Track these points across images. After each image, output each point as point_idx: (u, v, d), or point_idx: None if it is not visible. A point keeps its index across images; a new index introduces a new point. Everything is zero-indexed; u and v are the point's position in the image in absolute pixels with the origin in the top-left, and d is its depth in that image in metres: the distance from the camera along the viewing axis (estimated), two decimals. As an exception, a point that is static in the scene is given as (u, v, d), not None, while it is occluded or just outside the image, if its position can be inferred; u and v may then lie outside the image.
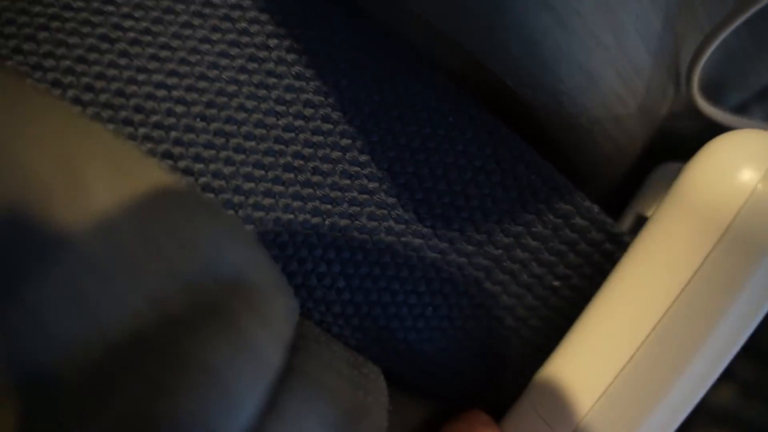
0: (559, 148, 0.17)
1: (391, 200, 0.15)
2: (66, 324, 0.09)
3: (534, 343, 0.17)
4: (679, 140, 0.20)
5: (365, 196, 0.15)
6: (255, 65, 0.16)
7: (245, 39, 0.16)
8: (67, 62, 0.15)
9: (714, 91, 0.17)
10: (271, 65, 0.16)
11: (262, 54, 0.16)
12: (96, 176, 0.10)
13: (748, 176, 0.13)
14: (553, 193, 0.16)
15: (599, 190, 0.19)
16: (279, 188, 0.15)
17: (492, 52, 0.15)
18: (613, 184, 0.20)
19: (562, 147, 0.17)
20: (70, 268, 0.09)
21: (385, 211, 0.15)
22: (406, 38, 0.16)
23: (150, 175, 0.11)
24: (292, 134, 0.15)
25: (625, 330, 0.14)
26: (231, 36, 0.16)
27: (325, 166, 0.15)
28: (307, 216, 0.15)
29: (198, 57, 0.15)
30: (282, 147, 0.15)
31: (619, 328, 0.15)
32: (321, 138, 0.15)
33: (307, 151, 0.15)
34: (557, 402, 0.16)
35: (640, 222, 0.18)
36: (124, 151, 0.11)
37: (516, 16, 0.13)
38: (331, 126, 0.16)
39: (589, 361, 0.15)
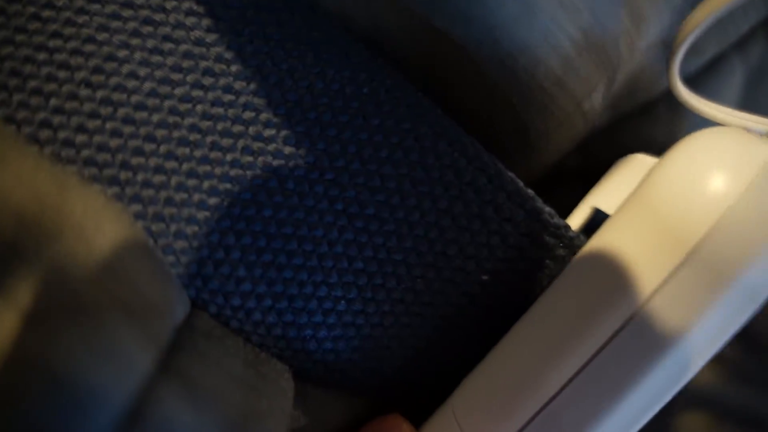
0: (501, 110, 0.15)
1: (299, 180, 0.13)
2: None
3: (460, 344, 0.15)
4: (651, 129, 0.18)
5: (269, 175, 0.13)
6: (150, 29, 0.13)
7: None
8: None
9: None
10: (167, 29, 0.13)
11: (158, 17, 0.13)
12: None
13: (723, 190, 0.11)
14: (480, 174, 0.14)
15: (552, 168, 0.17)
16: (172, 164, 0.13)
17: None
18: (567, 158, 0.18)
19: (505, 107, 0.15)
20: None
21: (292, 193, 0.13)
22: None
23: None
24: (189, 105, 0.13)
25: (560, 352, 0.13)
26: None
27: (225, 141, 0.13)
28: (203, 196, 0.13)
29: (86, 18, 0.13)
30: (177, 119, 0.13)
31: (553, 347, 0.13)
32: (221, 110, 0.13)
33: (204, 124, 0.13)
34: (478, 412, 0.14)
35: (599, 218, 0.16)
36: None
37: None
38: (233, 97, 0.13)
39: (516, 375, 0.13)
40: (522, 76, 0.15)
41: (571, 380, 0.12)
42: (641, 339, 0.12)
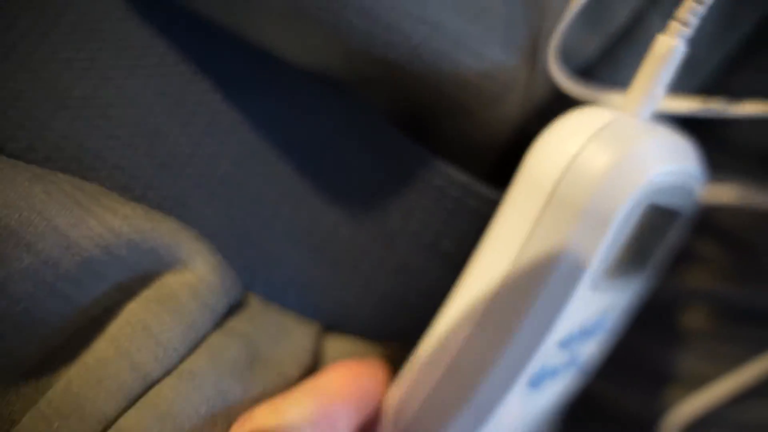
0: (439, 103, 0.18)
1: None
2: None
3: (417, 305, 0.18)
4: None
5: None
6: None
7: None
8: None
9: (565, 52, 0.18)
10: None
11: None
12: None
13: (569, 147, 0.14)
14: (414, 161, 0.17)
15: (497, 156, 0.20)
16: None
17: (342, 29, 0.15)
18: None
19: (442, 100, 0.18)
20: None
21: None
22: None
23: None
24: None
25: (474, 290, 0.15)
26: None
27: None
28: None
29: None
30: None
31: (473, 288, 0.16)
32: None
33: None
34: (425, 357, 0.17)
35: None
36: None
37: None
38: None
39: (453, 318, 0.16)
40: (448, 77, 0.17)
41: (477, 316, 0.15)
42: (527, 273, 0.15)
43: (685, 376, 0.23)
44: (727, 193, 0.21)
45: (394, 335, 0.19)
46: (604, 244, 0.14)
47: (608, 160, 0.14)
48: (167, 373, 0.14)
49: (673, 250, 0.21)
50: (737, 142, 0.21)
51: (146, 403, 0.14)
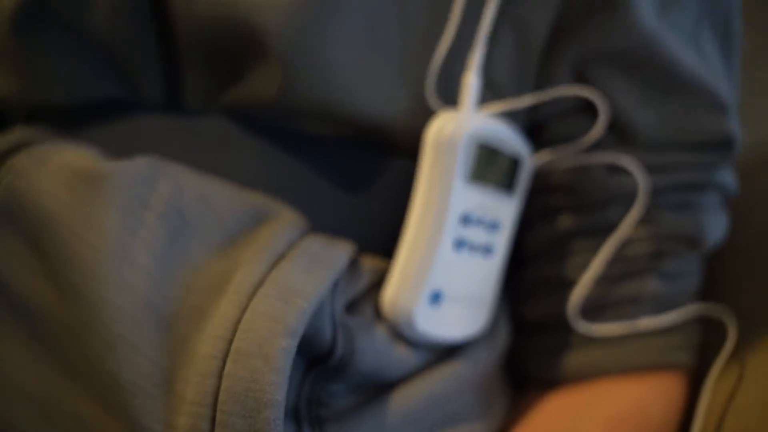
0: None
1: None
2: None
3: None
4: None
5: None
6: None
7: None
8: None
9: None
10: None
11: None
12: None
13: (439, 124, 0.32)
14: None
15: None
16: None
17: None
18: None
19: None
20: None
21: None
22: None
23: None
24: None
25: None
26: None
27: None
28: None
29: None
30: None
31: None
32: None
33: None
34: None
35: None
36: None
37: None
38: None
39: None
40: (360, 117, 0.32)
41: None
42: (434, 177, 0.32)
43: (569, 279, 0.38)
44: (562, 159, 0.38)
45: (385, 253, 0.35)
46: (460, 157, 0.32)
47: (452, 125, 0.32)
48: None
49: (527, 190, 0.37)
50: (547, 125, 0.38)
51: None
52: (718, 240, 0.39)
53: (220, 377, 0.25)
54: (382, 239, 0.34)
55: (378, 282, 0.33)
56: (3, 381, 0.27)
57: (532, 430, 0.36)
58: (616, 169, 0.36)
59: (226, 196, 0.30)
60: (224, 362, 0.25)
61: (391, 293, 0.32)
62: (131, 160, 0.30)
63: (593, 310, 0.38)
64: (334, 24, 0.30)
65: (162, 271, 0.27)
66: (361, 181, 0.34)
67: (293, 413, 0.29)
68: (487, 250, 0.35)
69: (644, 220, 0.37)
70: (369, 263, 0.33)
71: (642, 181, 0.36)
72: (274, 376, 0.25)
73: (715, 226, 0.38)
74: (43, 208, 0.28)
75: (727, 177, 0.39)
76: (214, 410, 0.25)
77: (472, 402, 0.35)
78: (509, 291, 0.41)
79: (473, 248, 0.34)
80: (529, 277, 0.40)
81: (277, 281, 0.27)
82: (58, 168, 0.29)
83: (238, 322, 0.26)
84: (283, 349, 0.25)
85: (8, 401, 0.27)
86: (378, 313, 0.33)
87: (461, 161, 0.32)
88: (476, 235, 0.34)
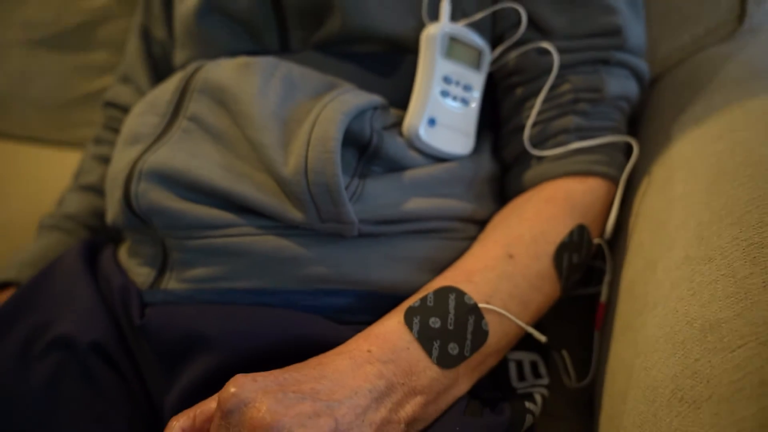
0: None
1: None
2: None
3: None
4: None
5: None
6: None
7: None
8: None
9: None
10: None
11: None
12: None
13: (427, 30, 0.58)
14: None
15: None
16: None
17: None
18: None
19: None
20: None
21: None
22: None
23: None
24: None
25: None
26: None
27: None
28: None
29: None
30: None
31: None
32: None
33: None
34: None
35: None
36: None
37: None
38: None
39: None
40: (386, 34, 0.61)
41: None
42: (423, 54, 0.58)
43: (523, 125, 0.62)
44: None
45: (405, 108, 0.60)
46: (438, 43, 0.57)
47: (433, 28, 0.58)
48: None
49: (489, 70, 0.62)
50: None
51: None
52: (624, 95, 0.61)
53: (308, 144, 0.51)
54: (404, 100, 0.59)
55: (400, 121, 0.59)
56: (205, 156, 0.54)
57: (503, 213, 0.59)
58: (543, 52, 0.60)
59: (314, 75, 0.57)
60: (310, 137, 0.51)
61: (406, 120, 0.58)
62: (264, 57, 0.57)
63: (539, 141, 0.61)
64: None
65: (281, 102, 0.54)
66: (391, 70, 0.60)
67: (353, 174, 0.54)
68: (464, 101, 0.59)
69: (565, 80, 0.60)
70: (395, 111, 0.59)
71: (557, 56, 0.59)
72: (333, 144, 0.50)
73: (616, 84, 0.60)
74: (221, 81, 0.56)
75: (633, 60, 0.61)
76: (307, 158, 0.50)
77: (462, 191, 0.58)
78: (495, 148, 0.65)
79: (455, 97, 0.59)
80: (504, 133, 0.64)
81: (335, 101, 0.53)
82: (224, 65, 0.58)
83: (314, 124, 0.52)
84: (337, 132, 0.50)
85: (210, 166, 0.54)
86: (400, 132, 0.58)
87: (440, 45, 0.57)
88: (455, 90, 0.59)
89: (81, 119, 1.00)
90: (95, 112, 0.88)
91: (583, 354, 0.60)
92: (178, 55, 0.69)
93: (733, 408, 0.35)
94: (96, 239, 0.66)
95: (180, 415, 0.42)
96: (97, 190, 0.78)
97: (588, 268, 0.61)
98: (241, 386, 0.39)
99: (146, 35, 0.80)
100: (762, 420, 0.33)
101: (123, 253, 0.62)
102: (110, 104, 0.82)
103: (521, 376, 0.54)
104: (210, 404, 0.42)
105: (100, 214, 0.76)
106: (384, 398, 0.42)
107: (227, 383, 0.40)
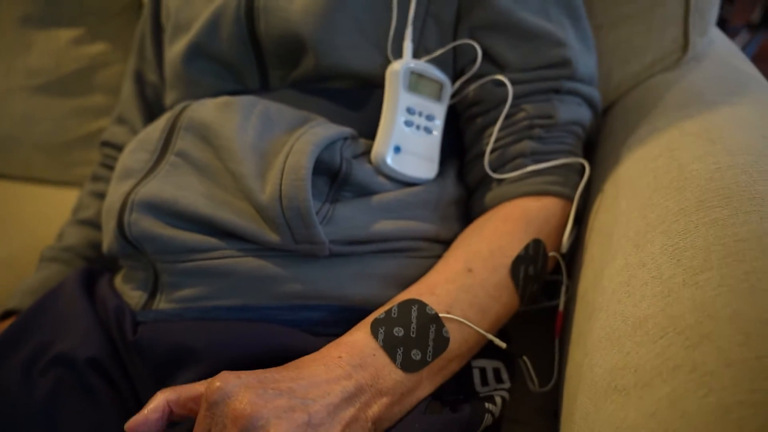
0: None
1: None
2: None
3: None
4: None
5: None
6: None
7: None
8: None
9: None
10: None
11: None
12: None
13: (394, 67, 0.64)
14: None
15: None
16: None
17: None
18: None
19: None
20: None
21: None
22: None
23: None
24: None
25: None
26: None
27: None
28: None
29: None
30: None
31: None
32: None
33: None
34: None
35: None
36: None
37: None
38: None
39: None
40: (355, 72, 0.67)
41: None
42: (388, 88, 0.63)
43: (483, 151, 0.67)
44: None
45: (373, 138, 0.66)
46: (401, 77, 0.63)
47: (397, 64, 0.64)
48: None
49: (450, 102, 0.68)
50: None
51: None
52: (577, 120, 0.66)
53: (282, 173, 0.56)
54: (373, 131, 0.65)
55: (369, 150, 0.64)
56: (190, 188, 0.59)
57: (465, 232, 0.64)
58: (499, 84, 0.66)
59: (290, 110, 0.63)
60: (284, 166, 0.56)
61: (373, 148, 0.63)
62: (244, 96, 0.63)
63: (499, 165, 0.66)
64: (338, 26, 0.63)
65: (259, 136, 0.60)
66: (361, 104, 0.66)
67: (324, 200, 0.59)
68: (427, 129, 0.65)
69: (521, 109, 0.66)
70: (364, 141, 0.64)
71: (510, 87, 0.65)
72: (304, 172, 0.55)
73: (568, 111, 0.66)
74: (205, 119, 0.62)
75: (584, 88, 0.67)
76: (281, 185, 0.56)
77: (427, 214, 0.64)
78: (460, 174, 0.70)
79: (418, 126, 0.64)
80: (467, 160, 0.70)
81: (307, 133, 0.59)
82: (208, 104, 0.63)
83: (288, 155, 0.57)
84: (308, 161, 0.56)
85: (194, 196, 0.59)
86: (368, 160, 0.63)
87: (402, 79, 0.63)
88: (418, 120, 0.64)
89: (80, 159, 1.06)
90: (93, 151, 0.94)
91: (547, 361, 0.65)
92: (168, 96, 0.75)
93: (652, 391, 0.40)
94: (93, 267, 0.71)
95: (168, 389, 0.46)
96: (94, 224, 0.83)
97: (552, 282, 0.66)
98: (225, 381, 0.44)
99: (140, 79, 0.86)
100: (673, 398, 0.38)
101: (118, 279, 0.67)
102: (106, 144, 0.88)
103: (484, 382, 0.59)
104: (197, 387, 0.46)
105: (97, 246, 0.81)
106: (353, 398, 0.47)
107: (213, 378, 0.44)
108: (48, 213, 1.01)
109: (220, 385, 0.43)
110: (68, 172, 1.07)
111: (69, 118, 1.05)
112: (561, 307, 0.62)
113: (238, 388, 0.43)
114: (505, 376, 0.60)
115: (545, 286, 0.68)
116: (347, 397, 0.46)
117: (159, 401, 0.45)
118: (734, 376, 0.37)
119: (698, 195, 0.51)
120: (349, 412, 0.46)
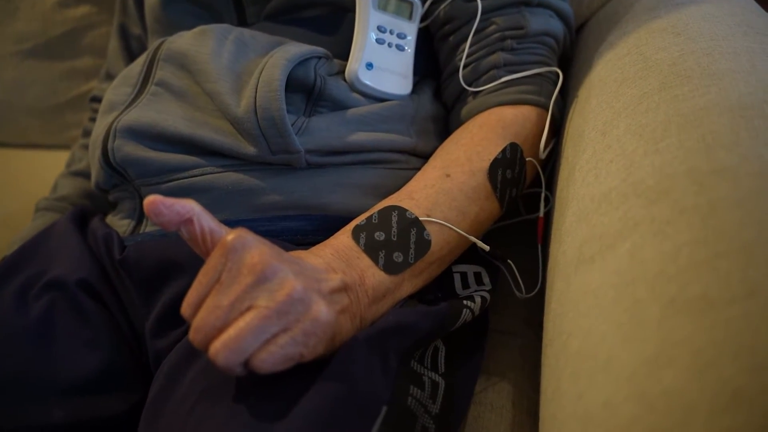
0: None
1: None
2: None
3: None
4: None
5: None
6: None
7: None
8: None
9: None
10: None
11: None
12: None
13: None
14: None
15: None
16: None
17: None
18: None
19: None
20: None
21: None
22: None
23: None
24: None
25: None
26: None
27: None
28: None
29: None
30: None
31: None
32: None
33: None
34: None
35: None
36: None
37: None
38: None
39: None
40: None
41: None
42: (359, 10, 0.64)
43: (458, 66, 0.68)
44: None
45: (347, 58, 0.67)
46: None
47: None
48: None
49: (421, 21, 0.68)
50: None
51: None
52: (548, 31, 0.67)
53: (256, 87, 0.57)
54: (346, 53, 0.66)
55: (343, 69, 0.65)
56: (170, 112, 0.61)
57: (443, 144, 0.65)
58: (469, 0, 0.67)
59: (264, 36, 0.64)
60: (258, 81, 0.58)
61: (347, 66, 0.64)
62: (219, 24, 0.65)
63: (473, 79, 0.67)
64: None
65: (233, 59, 0.61)
66: (334, 29, 0.67)
67: (301, 114, 0.60)
68: (399, 47, 0.66)
69: (491, 22, 0.66)
70: (339, 62, 0.66)
71: (480, 1, 0.66)
72: (277, 84, 0.56)
73: (538, 22, 0.66)
74: (181, 48, 0.63)
75: (554, 1, 0.68)
76: (255, 98, 0.57)
77: (403, 128, 0.65)
78: (437, 93, 0.71)
79: (390, 44, 0.65)
80: (443, 79, 0.71)
81: (280, 50, 0.60)
82: (184, 35, 0.65)
83: (262, 71, 0.58)
84: (281, 74, 0.57)
85: (174, 119, 0.60)
86: (344, 78, 0.64)
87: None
88: (390, 38, 0.65)
89: (73, 121, 1.08)
90: (85, 113, 0.95)
91: (533, 272, 0.66)
92: (150, 43, 0.77)
93: (614, 251, 0.41)
94: (86, 207, 0.73)
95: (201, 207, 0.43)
96: (87, 175, 0.85)
97: (536, 196, 0.67)
98: (246, 233, 0.42)
99: (124, 34, 0.87)
100: (632, 251, 0.39)
101: (109, 216, 0.69)
102: (95, 99, 0.89)
103: (465, 285, 0.60)
104: (220, 229, 0.43)
105: (89, 195, 0.83)
106: (347, 290, 0.48)
107: (233, 229, 0.42)
108: (44, 174, 1.02)
109: (243, 235, 0.42)
110: (62, 135, 1.09)
111: (59, 81, 1.06)
112: (541, 213, 0.63)
113: (259, 243, 0.43)
114: (486, 279, 0.61)
115: (530, 200, 0.69)
116: (343, 287, 0.47)
117: (190, 205, 0.42)
118: (688, 221, 0.38)
119: (661, 79, 0.52)
120: (344, 301, 0.47)
